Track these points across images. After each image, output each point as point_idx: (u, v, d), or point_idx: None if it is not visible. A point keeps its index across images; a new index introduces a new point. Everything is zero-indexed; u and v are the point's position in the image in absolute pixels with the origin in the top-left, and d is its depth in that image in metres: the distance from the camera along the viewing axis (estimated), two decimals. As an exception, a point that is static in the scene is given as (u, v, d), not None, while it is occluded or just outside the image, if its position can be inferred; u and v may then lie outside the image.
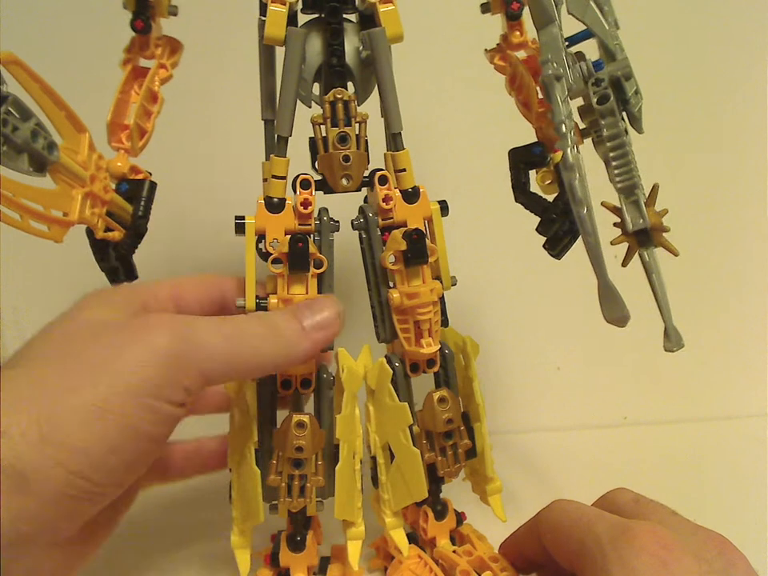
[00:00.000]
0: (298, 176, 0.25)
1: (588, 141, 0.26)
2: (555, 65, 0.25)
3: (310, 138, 0.25)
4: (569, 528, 0.21)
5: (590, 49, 0.26)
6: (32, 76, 0.23)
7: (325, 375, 0.26)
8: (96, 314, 0.21)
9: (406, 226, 0.25)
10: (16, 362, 0.19)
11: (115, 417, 0.18)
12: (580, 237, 0.25)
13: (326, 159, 0.25)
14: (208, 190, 0.39)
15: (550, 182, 0.26)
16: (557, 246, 0.26)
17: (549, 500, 0.23)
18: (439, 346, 0.26)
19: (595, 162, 0.26)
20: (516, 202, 0.27)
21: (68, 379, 0.18)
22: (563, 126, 0.25)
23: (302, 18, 0.25)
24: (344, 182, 0.25)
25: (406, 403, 0.26)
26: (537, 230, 0.26)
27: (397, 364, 0.26)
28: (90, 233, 0.26)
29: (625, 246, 0.26)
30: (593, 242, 0.25)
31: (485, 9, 0.28)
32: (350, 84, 0.26)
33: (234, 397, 0.26)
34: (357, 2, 0.25)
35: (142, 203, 0.26)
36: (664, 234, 0.25)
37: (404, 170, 0.25)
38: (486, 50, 0.29)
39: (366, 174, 0.25)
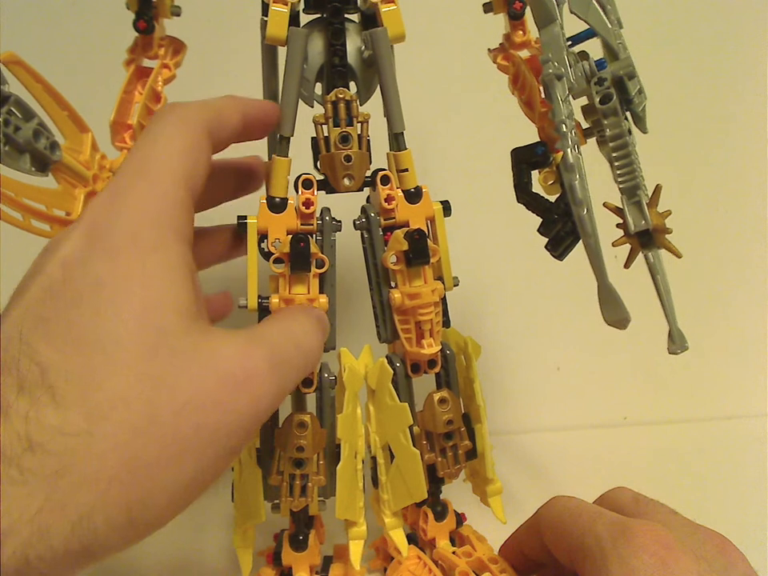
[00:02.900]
0: (300, 176, 0.25)
1: (592, 141, 0.26)
2: (556, 64, 0.25)
3: (312, 137, 0.25)
4: (569, 525, 0.21)
5: (594, 49, 0.26)
6: (34, 76, 0.23)
7: (326, 375, 0.26)
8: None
9: (408, 226, 0.25)
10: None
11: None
12: (582, 238, 0.25)
13: (328, 159, 0.25)
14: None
15: (552, 182, 0.26)
16: (559, 246, 0.26)
17: (549, 501, 0.23)
18: (440, 346, 0.26)
19: (596, 163, 0.26)
20: (518, 202, 0.27)
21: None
22: (563, 125, 0.25)
23: (304, 18, 0.25)
24: (346, 181, 0.25)
25: (406, 403, 0.26)
26: (539, 230, 0.26)
27: (398, 364, 0.26)
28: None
29: (627, 247, 0.26)
30: (593, 243, 0.25)
31: (487, 8, 0.28)
32: (352, 84, 0.26)
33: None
34: (359, 2, 0.25)
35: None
36: (666, 236, 0.25)
37: (406, 169, 0.25)
38: (488, 49, 0.29)
39: (368, 173, 0.25)
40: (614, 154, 0.25)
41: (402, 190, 0.25)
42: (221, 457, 0.16)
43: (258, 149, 0.27)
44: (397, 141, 0.25)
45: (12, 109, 0.21)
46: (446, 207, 0.26)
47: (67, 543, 0.13)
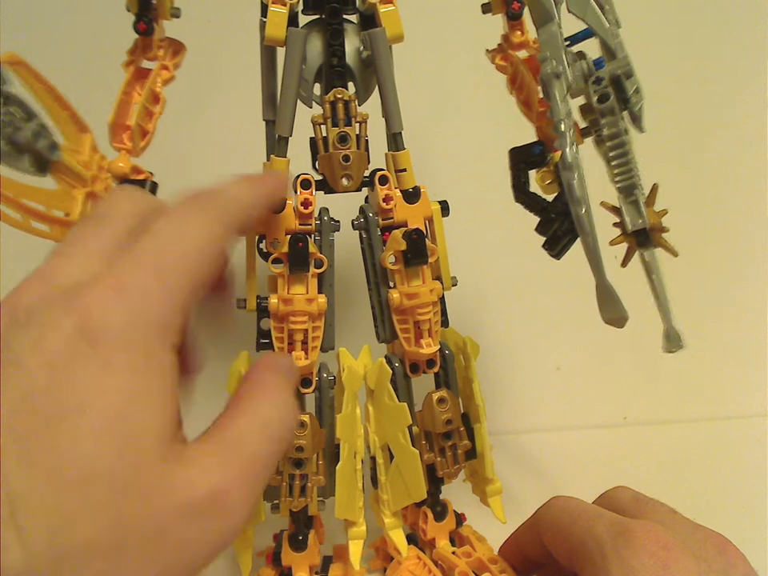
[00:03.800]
0: (298, 176, 0.25)
1: (589, 140, 0.26)
2: (554, 62, 0.25)
3: (311, 137, 0.25)
4: (568, 526, 0.21)
5: (592, 49, 0.26)
6: (35, 76, 0.23)
7: (325, 375, 0.26)
8: None
9: (407, 226, 0.25)
10: None
11: None
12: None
13: (327, 159, 0.25)
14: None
15: (550, 181, 0.26)
16: (556, 245, 0.26)
17: (549, 501, 0.23)
18: (439, 346, 0.26)
19: (595, 162, 0.26)
20: (516, 201, 0.27)
21: None
22: (562, 124, 0.25)
23: (303, 19, 0.25)
24: (344, 181, 0.25)
25: (405, 403, 0.26)
26: (536, 229, 0.26)
27: (396, 364, 0.26)
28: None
29: (624, 246, 0.26)
30: (591, 241, 0.25)
31: (486, 9, 0.28)
32: (350, 84, 0.26)
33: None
34: (357, 3, 0.26)
35: (144, 203, 0.26)
36: (663, 234, 0.25)
37: (404, 169, 0.25)
38: (487, 50, 0.29)
39: (367, 173, 0.25)
40: (611, 153, 0.25)
41: (401, 190, 0.25)
42: None
43: (258, 148, 0.27)
44: (395, 141, 0.25)
45: (13, 109, 0.21)
46: (445, 207, 0.26)
47: None
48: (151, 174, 0.28)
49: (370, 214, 0.26)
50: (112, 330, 0.14)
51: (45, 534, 0.13)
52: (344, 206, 0.26)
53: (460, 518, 0.29)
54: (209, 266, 0.16)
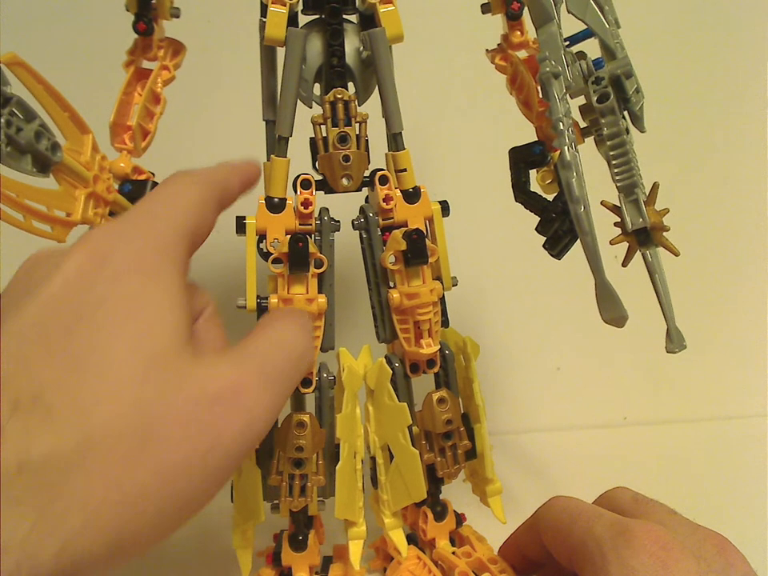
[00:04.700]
0: (298, 176, 0.25)
1: (590, 140, 0.27)
2: (553, 62, 0.25)
3: (311, 138, 0.25)
4: (568, 526, 0.21)
5: (592, 49, 0.26)
6: (36, 77, 0.23)
7: (325, 374, 0.26)
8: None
9: (407, 226, 0.25)
10: None
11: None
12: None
13: (327, 159, 0.25)
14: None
15: (550, 181, 0.26)
16: (556, 245, 0.26)
17: (549, 501, 0.23)
18: (439, 346, 0.26)
19: (595, 161, 0.26)
20: (516, 201, 0.27)
21: None
22: (560, 123, 0.25)
23: (303, 19, 0.25)
24: (344, 181, 0.25)
25: (405, 403, 0.26)
26: (536, 229, 0.26)
27: (396, 364, 0.26)
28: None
29: (625, 245, 0.26)
30: (590, 241, 0.25)
31: (485, 9, 0.28)
32: (350, 84, 0.26)
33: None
34: (357, 3, 0.26)
35: (144, 203, 0.26)
36: (664, 234, 0.25)
37: (405, 169, 0.25)
38: (487, 50, 0.29)
39: (367, 173, 0.25)
40: (612, 153, 0.25)
41: (401, 190, 0.25)
42: (213, 480, 0.16)
43: (258, 148, 0.27)
44: (395, 141, 0.25)
45: (14, 110, 0.21)
46: (445, 207, 0.26)
47: (54, 566, 0.13)
48: (152, 174, 0.28)
49: (370, 214, 0.26)
50: (119, 252, 0.16)
51: (69, 417, 0.14)
52: (344, 206, 0.26)
53: (460, 518, 0.29)
54: (197, 216, 0.19)
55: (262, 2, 0.25)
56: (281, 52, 0.25)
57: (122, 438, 0.14)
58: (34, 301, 0.15)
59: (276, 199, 0.24)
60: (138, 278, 0.16)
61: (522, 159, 0.26)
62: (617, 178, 0.25)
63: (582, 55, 0.26)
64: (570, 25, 0.26)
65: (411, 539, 0.28)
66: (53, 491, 0.14)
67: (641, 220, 0.25)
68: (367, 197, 0.27)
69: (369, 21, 0.25)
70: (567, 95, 0.25)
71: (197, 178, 0.20)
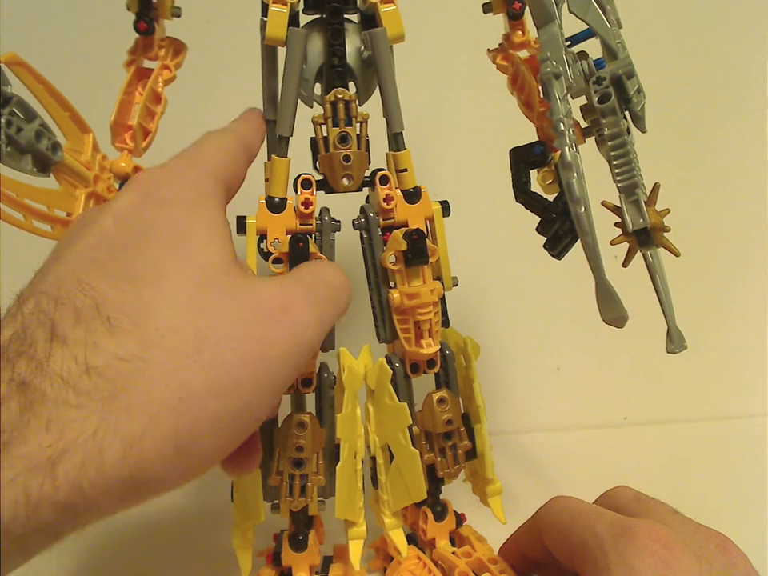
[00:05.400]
0: (299, 176, 0.25)
1: (591, 140, 0.26)
2: (554, 62, 0.25)
3: (311, 137, 0.25)
4: (569, 525, 0.21)
5: (594, 49, 0.26)
6: (36, 77, 0.23)
7: (326, 374, 0.26)
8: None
9: (407, 226, 0.25)
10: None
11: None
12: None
13: (327, 159, 0.25)
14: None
15: (551, 181, 0.26)
16: (557, 245, 0.26)
17: (549, 501, 0.23)
18: (439, 346, 0.26)
19: (595, 162, 0.26)
20: (516, 201, 0.27)
21: None
22: (561, 124, 0.25)
23: (304, 19, 0.25)
24: (345, 181, 0.25)
25: (405, 403, 0.26)
26: (537, 229, 0.26)
27: (397, 364, 0.26)
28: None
29: (625, 246, 0.26)
30: (590, 241, 0.25)
31: (487, 9, 0.28)
32: (351, 84, 0.26)
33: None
34: (358, 2, 0.26)
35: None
36: (665, 234, 0.25)
37: (405, 169, 0.25)
38: (488, 50, 0.29)
39: (367, 173, 0.25)
40: (613, 153, 0.25)
41: (401, 190, 0.25)
42: (266, 390, 0.16)
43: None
44: (396, 141, 0.25)
45: (14, 109, 0.21)
46: (445, 207, 0.26)
47: (118, 469, 0.14)
48: (152, 173, 0.28)
49: (371, 214, 0.26)
50: (165, 187, 0.18)
51: (128, 324, 0.15)
52: (345, 205, 0.26)
53: (460, 518, 0.29)
54: (232, 165, 0.20)
55: (263, 2, 0.25)
56: (282, 52, 0.25)
57: (179, 339, 0.15)
58: (88, 233, 0.17)
59: (276, 199, 0.24)
60: (183, 206, 0.17)
61: (523, 159, 0.26)
62: (618, 178, 0.25)
63: (583, 55, 0.26)
64: (571, 25, 0.26)
65: (411, 539, 0.28)
66: (116, 393, 0.14)
67: (641, 220, 0.25)
68: (368, 197, 0.27)
69: (370, 20, 0.25)
70: (568, 95, 0.25)
71: (225, 133, 0.21)
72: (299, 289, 0.18)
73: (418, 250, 0.24)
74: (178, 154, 0.20)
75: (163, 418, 0.14)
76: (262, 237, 0.24)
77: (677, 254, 0.26)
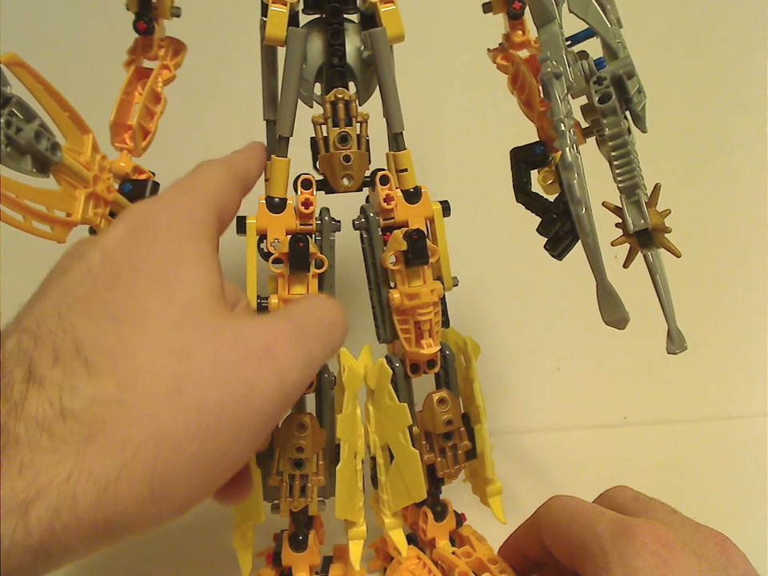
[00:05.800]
0: (299, 176, 0.25)
1: (591, 140, 0.26)
2: (554, 62, 0.25)
3: (311, 137, 0.25)
4: (568, 525, 0.21)
5: (594, 49, 0.26)
6: (36, 77, 0.23)
7: (326, 375, 0.26)
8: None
9: (408, 226, 0.25)
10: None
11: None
12: (581, 237, 0.25)
13: (327, 159, 0.25)
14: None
15: (551, 181, 0.26)
16: (558, 246, 0.26)
17: (549, 501, 0.23)
18: (440, 346, 0.26)
19: (596, 162, 0.26)
20: (517, 201, 0.27)
21: None
22: (561, 124, 0.25)
23: (304, 19, 0.25)
24: (345, 181, 0.25)
25: (405, 404, 0.26)
26: (537, 230, 0.26)
27: (397, 364, 0.26)
28: (93, 233, 0.26)
29: (626, 246, 0.26)
30: (591, 242, 0.25)
31: (487, 8, 0.28)
32: (351, 84, 0.26)
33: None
34: (358, 2, 0.26)
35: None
36: (665, 235, 0.25)
37: (405, 169, 0.25)
38: (488, 49, 0.29)
39: (368, 173, 0.25)
40: (613, 153, 0.25)
41: (402, 190, 0.25)
42: (247, 432, 0.16)
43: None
44: (396, 141, 0.25)
45: (14, 110, 0.21)
46: (446, 207, 0.26)
47: (92, 512, 0.14)
48: (153, 173, 0.28)
49: (371, 214, 0.26)
50: (155, 220, 0.18)
51: (107, 365, 0.15)
52: (345, 205, 0.26)
53: (460, 518, 0.29)
54: (224, 196, 0.20)
55: (262, 2, 0.25)
56: (281, 52, 0.25)
57: (158, 381, 0.15)
58: (76, 269, 0.17)
59: (276, 199, 0.24)
60: (171, 240, 0.17)
61: (524, 159, 0.26)
62: (618, 178, 0.25)
63: (583, 55, 0.26)
64: (571, 24, 0.26)
65: (411, 539, 0.28)
66: (92, 436, 0.14)
67: (642, 221, 0.25)
68: (368, 197, 0.27)
69: (370, 20, 0.25)
70: (569, 95, 0.25)
71: (221, 163, 0.21)
72: (286, 327, 0.17)
73: (418, 250, 0.24)
74: (173, 183, 0.20)
75: (139, 461, 0.14)
76: (262, 237, 0.24)
77: (678, 255, 0.25)
